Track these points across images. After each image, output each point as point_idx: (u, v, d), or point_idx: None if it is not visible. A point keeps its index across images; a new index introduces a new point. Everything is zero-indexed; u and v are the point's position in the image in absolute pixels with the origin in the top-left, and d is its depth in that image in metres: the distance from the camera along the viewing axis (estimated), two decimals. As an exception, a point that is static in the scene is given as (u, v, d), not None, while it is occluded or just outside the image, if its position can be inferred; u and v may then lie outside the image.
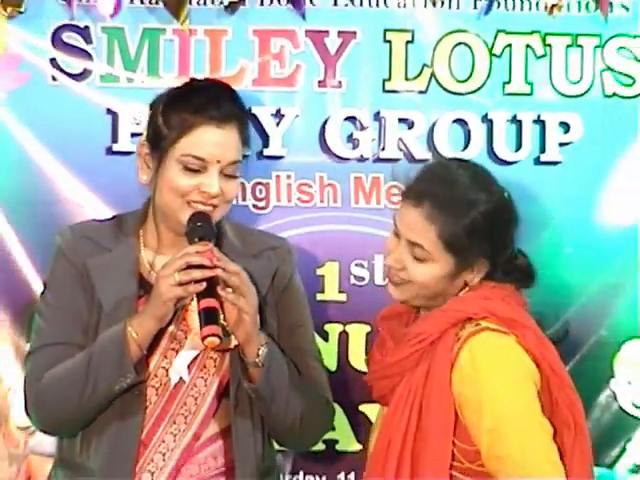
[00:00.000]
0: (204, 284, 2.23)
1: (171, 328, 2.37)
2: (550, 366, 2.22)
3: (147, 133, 2.36)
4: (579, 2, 2.79)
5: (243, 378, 2.28)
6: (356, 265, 2.77)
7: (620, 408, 2.83)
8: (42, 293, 2.41)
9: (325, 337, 2.74)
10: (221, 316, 2.26)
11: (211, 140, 2.29)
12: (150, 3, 2.73)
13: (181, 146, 2.28)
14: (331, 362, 2.71)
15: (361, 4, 2.75)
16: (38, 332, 2.36)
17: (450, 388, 2.22)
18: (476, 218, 2.29)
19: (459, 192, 2.35)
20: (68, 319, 2.34)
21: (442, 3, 2.76)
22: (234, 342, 2.31)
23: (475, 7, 2.75)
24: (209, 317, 2.19)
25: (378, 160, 2.73)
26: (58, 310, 2.35)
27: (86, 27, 2.71)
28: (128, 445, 2.34)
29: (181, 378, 2.34)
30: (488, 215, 2.30)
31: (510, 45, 2.75)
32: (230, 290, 2.27)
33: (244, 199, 2.71)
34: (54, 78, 2.72)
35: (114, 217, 2.45)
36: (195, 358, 2.34)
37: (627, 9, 2.75)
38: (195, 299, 2.28)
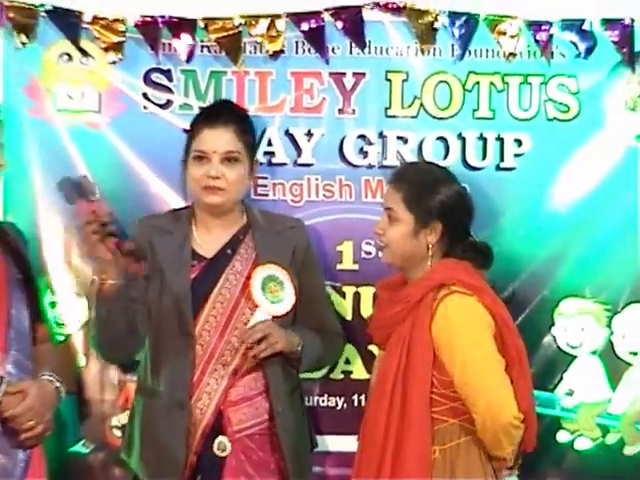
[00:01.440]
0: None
1: (217, 288, 2.87)
2: (502, 319, 2.72)
3: None
4: (529, 51, 3.25)
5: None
6: (366, 243, 3.26)
7: (558, 348, 3.35)
8: None
9: (343, 295, 3.26)
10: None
11: (209, 137, 2.86)
12: (215, 52, 3.22)
13: (193, 146, 2.88)
14: (347, 314, 3.25)
15: (369, 52, 3.25)
16: (111, 292, 2.81)
17: (430, 335, 2.70)
18: (434, 193, 2.80)
19: (427, 178, 2.85)
20: (132, 284, 2.81)
21: (428, 52, 3.24)
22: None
23: (452, 55, 3.25)
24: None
25: (382, 167, 3.25)
26: (128, 277, 2.81)
27: (168, 70, 3.24)
28: (185, 374, 2.85)
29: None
30: (446, 195, 2.81)
31: (478, 82, 3.27)
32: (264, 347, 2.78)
33: (284, 195, 3.24)
34: (145, 107, 3.25)
35: (174, 210, 3.04)
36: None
37: (564, 56, 3.25)
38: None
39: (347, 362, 3.22)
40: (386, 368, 2.78)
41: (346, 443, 3.10)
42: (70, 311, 3.28)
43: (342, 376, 3.25)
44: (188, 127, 3.09)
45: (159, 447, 2.85)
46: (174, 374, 2.85)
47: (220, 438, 2.83)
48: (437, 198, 2.77)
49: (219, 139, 2.85)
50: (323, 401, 3.28)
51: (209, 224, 2.92)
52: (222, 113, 2.93)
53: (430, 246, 2.75)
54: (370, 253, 3.23)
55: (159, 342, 2.89)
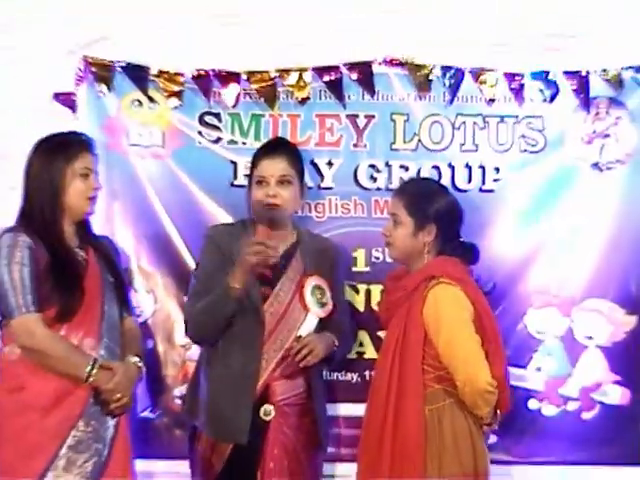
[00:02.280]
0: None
1: (276, 289, 3.16)
2: (481, 306, 3.00)
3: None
4: (505, 97, 3.62)
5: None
6: (375, 250, 3.61)
7: (529, 333, 3.68)
8: (197, 265, 3.28)
9: (357, 291, 3.59)
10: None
11: (267, 165, 3.18)
12: (256, 99, 3.60)
13: (255, 173, 3.20)
14: (360, 306, 3.59)
15: (378, 99, 3.62)
16: (193, 289, 3.21)
17: (422, 317, 2.97)
18: (430, 202, 3.04)
19: (425, 189, 3.14)
20: (212, 278, 3.13)
21: (425, 98, 3.61)
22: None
23: (444, 100, 3.61)
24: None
25: (388, 189, 3.58)
26: (209, 269, 3.17)
27: (218, 113, 3.60)
28: (256, 353, 3.14)
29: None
30: (440, 204, 3.06)
31: (464, 122, 3.63)
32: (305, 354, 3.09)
33: (310, 212, 3.59)
34: (199, 142, 3.60)
35: (240, 221, 3.30)
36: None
37: (533, 100, 3.62)
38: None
39: (360, 345, 3.57)
40: (387, 343, 3.09)
41: (358, 410, 3.36)
42: (142, 304, 3.62)
43: (356, 356, 3.59)
44: (235, 159, 3.55)
45: (230, 410, 3.12)
46: (247, 352, 3.14)
47: (266, 405, 3.14)
48: (433, 206, 3.03)
49: (275, 166, 3.17)
50: (341, 376, 3.62)
51: (261, 232, 3.15)
52: (277, 146, 3.27)
53: (426, 245, 3.04)
54: (378, 258, 3.59)
55: (233, 328, 3.15)
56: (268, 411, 3.16)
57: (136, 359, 3.17)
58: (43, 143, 3.14)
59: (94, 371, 3.00)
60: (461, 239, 3.11)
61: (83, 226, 3.20)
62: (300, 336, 3.16)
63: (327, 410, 3.39)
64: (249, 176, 3.29)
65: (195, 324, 3.22)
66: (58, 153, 3.10)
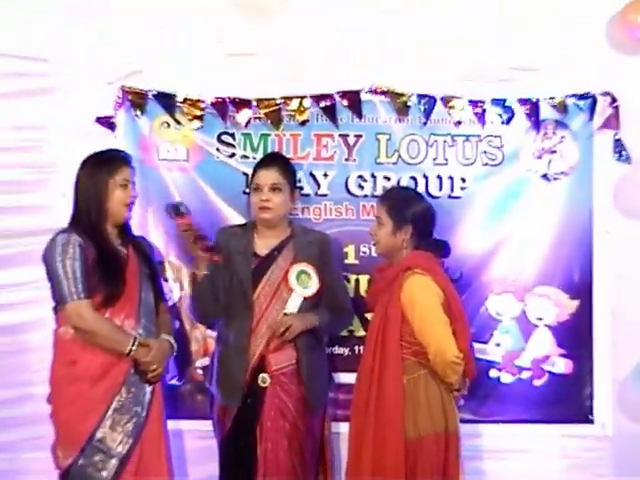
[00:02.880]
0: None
1: (266, 276, 3.35)
2: (448, 292, 3.19)
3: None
4: (469, 120, 3.83)
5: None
6: (363, 246, 3.83)
7: (490, 315, 3.91)
8: None
9: (348, 281, 3.81)
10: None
11: (262, 175, 3.40)
12: (264, 121, 3.81)
13: (253, 181, 3.41)
14: (351, 292, 3.79)
15: (365, 121, 3.83)
16: (202, 277, 3.40)
17: (400, 302, 3.14)
18: (407, 207, 3.20)
19: (403, 196, 3.31)
20: (213, 269, 3.37)
21: (403, 121, 3.82)
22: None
23: (419, 122, 3.82)
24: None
25: (373, 196, 3.76)
26: (212, 267, 3.38)
27: (233, 133, 3.84)
28: (246, 331, 3.35)
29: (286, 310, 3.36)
30: (415, 208, 3.23)
31: (436, 140, 3.86)
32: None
33: (309, 214, 3.80)
34: (217, 157, 3.84)
35: (247, 222, 3.56)
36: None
37: (493, 123, 3.85)
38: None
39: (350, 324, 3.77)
40: (373, 324, 3.27)
41: (350, 378, 3.56)
42: (171, 291, 3.84)
43: (347, 334, 3.83)
44: (247, 171, 3.71)
45: (229, 378, 3.37)
46: (239, 331, 3.37)
47: (262, 374, 3.36)
48: (410, 210, 3.22)
49: (268, 176, 3.40)
50: (335, 350, 3.86)
51: (264, 233, 3.45)
52: (271, 160, 3.49)
53: (404, 242, 3.22)
54: (365, 253, 3.82)
55: (230, 310, 3.40)
56: (265, 379, 3.37)
57: (169, 337, 3.38)
58: (89, 159, 3.33)
59: (134, 347, 3.21)
60: (434, 237, 3.31)
61: (124, 228, 3.39)
62: (286, 313, 3.38)
63: (325, 378, 3.56)
64: (249, 185, 3.52)
65: (192, 310, 3.58)
66: (102, 167, 3.28)
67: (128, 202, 3.35)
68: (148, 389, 3.30)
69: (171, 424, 3.54)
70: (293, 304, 3.38)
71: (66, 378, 3.25)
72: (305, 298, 3.38)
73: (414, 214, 3.21)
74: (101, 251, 3.24)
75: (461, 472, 3.26)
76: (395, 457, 3.11)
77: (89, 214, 3.27)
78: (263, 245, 3.46)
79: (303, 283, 3.37)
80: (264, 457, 3.37)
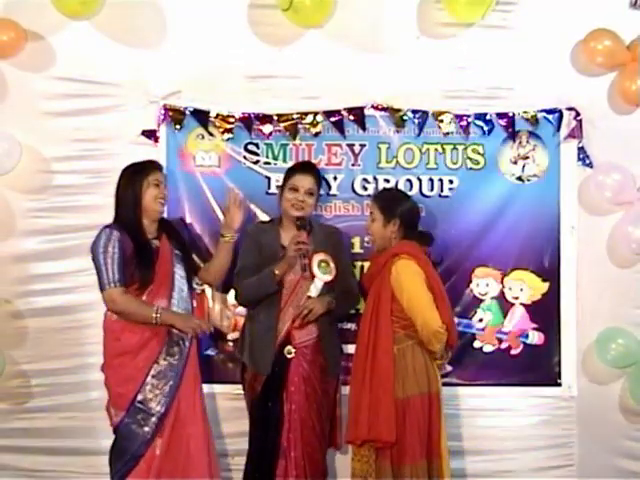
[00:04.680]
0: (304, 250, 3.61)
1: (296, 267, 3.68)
2: (430, 273, 3.59)
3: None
4: (456, 131, 4.21)
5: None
6: (366, 238, 4.15)
7: (474, 295, 4.30)
8: (240, 251, 3.89)
9: (354, 267, 4.15)
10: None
11: (300, 179, 3.80)
12: (284, 133, 4.19)
13: (289, 182, 3.81)
14: (357, 277, 4.15)
15: (368, 133, 4.21)
16: (238, 268, 3.86)
17: (390, 283, 3.53)
18: (395, 204, 3.59)
19: (392, 196, 3.73)
20: (250, 261, 3.83)
21: (400, 132, 4.20)
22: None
23: (414, 133, 4.21)
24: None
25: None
26: (248, 255, 3.84)
27: (257, 143, 4.22)
28: (276, 311, 3.78)
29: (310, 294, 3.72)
30: (403, 206, 3.62)
31: (429, 149, 4.25)
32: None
33: (321, 212, 4.17)
34: (244, 163, 4.24)
35: (271, 219, 3.96)
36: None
37: (476, 133, 4.22)
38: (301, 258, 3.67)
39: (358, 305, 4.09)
40: (368, 303, 3.69)
41: (353, 348, 3.89)
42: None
43: (354, 311, 4.19)
44: (269, 175, 4.17)
45: (261, 351, 3.79)
46: (269, 311, 3.80)
47: (288, 347, 3.77)
48: (398, 207, 3.63)
49: (305, 180, 3.81)
50: (345, 325, 4.25)
51: (288, 228, 3.84)
52: (308, 167, 3.90)
53: (393, 233, 3.63)
54: (369, 243, 4.16)
55: None
56: (290, 351, 3.78)
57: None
58: (128, 168, 3.74)
59: (159, 314, 3.65)
60: (419, 229, 3.75)
61: (159, 223, 3.78)
62: (310, 296, 3.72)
63: (339, 349, 3.97)
64: (282, 186, 3.87)
65: (244, 296, 3.89)
66: (137, 171, 3.71)
67: (160, 198, 3.75)
68: (181, 357, 3.72)
69: (206, 387, 3.96)
70: (316, 288, 3.74)
71: (113, 351, 3.71)
72: (325, 283, 3.74)
73: (401, 210, 3.64)
74: (137, 244, 3.63)
75: (443, 428, 3.63)
76: (387, 415, 3.49)
77: (127, 212, 3.67)
78: (288, 238, 3.86)
79: (323, 270, 3.74)
80: (289, 416, 3.77)
